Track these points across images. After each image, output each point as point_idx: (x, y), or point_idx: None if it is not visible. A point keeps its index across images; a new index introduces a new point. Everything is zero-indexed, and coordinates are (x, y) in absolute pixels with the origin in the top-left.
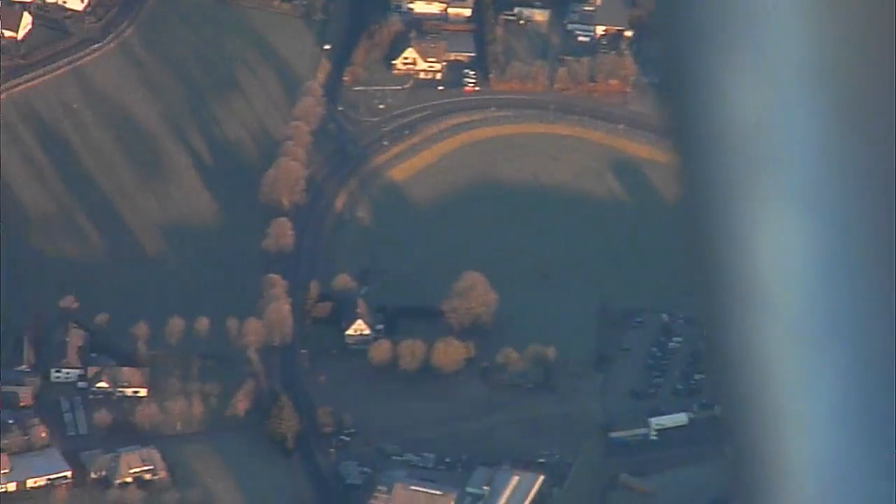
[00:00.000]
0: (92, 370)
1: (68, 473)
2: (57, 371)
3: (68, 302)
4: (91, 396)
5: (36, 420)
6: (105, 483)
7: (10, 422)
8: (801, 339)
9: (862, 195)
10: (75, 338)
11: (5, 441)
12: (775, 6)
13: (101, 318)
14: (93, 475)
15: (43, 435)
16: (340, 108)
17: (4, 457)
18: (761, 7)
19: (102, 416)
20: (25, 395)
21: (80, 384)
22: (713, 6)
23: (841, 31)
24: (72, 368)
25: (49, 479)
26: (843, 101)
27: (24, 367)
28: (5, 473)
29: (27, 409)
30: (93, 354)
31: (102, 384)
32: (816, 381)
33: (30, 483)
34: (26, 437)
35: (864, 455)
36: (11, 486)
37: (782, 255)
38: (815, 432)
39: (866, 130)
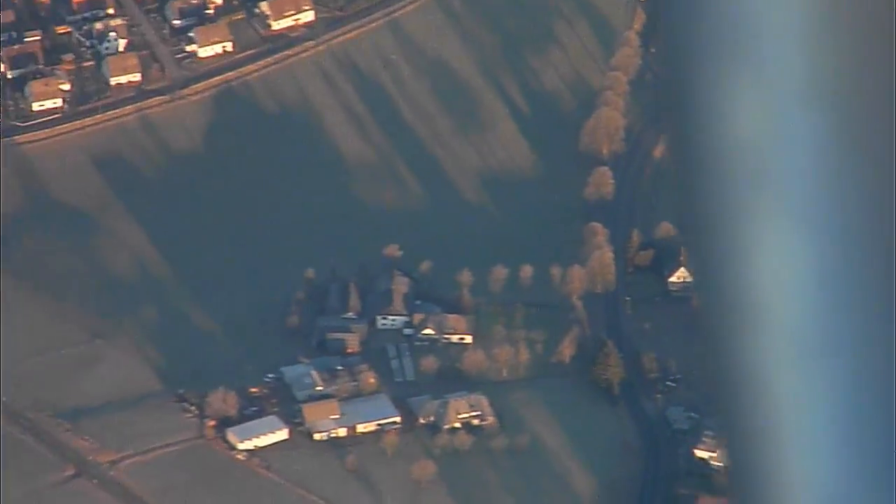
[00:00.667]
0: (417, 317)
1: (397, 419)
2: (383, 318)
3: (392, 250)
4: (417, 343)
5: (364, 366)
6: (434, 428)
7: (339, 368)
8: (800, 355)
9: (860, 211)
10: (400, 285)
11: (335, 387)
12: (774, 24)
13: (425, 265)
14: (421, 420)
15: (371, 381)
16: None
17: (334, 402)
18: (760, 25)
19: (429, 363)
20: (353, 342)
21: (406, 331)
22: (713, 25)
23: (840, 49)
24: (397, 316)
25: (378, 425)
26: (842, 119)
27: (350, 314)
28: (335, 419)
29: (355, 355)
30: (417, 302)
31: (428, 331)
32: (815, 396)
33: (360, 428)
34: (355, 384)
35: (864, 470)
36: (342, 431)
37: (781, 271)
38: (814, 448)
39: (864, 147)
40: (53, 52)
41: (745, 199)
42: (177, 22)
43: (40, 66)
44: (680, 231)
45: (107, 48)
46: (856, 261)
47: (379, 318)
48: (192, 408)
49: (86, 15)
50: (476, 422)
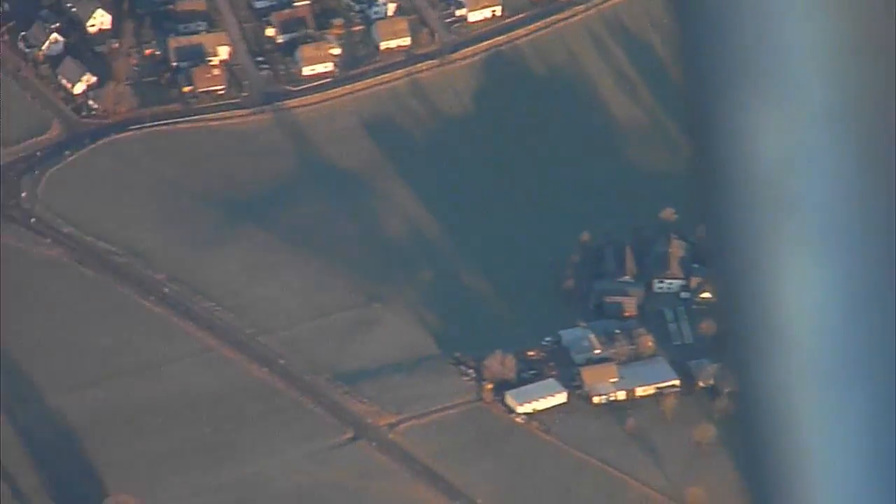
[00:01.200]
0: (694, 281)
1: (676, 382)
2: (660, 282)
3: (667, 213)
4: (694, 306)
5: (641, 330)
6: (713, 392)
7: (617, 331)
8: (824, 379)
9: (883, 233)
10: (676, 249)
11: (613, 350)
12: (797, 48)
13: (701, 229)
14: (700, 384)
15: (649, 344)
16: None
17: (613, 365)
18: (783, 49)
19: (706, 326)
20: (630, 305)
21: (683, 294)
22: (736, 48)
23: (861, 72)
24: (674, 279)
25: (657, 388)
26: (865, 141)
27: (626, 278)
28: (614, 382)
29: (632, 319)
30: (694, 265)
31: (706, 294)
32: (839, 419)
33: (639, 391)
34: (633, 347)
35: (887, 489)
36: (621, 395)
37: (804, 293)
38: (837, 467)
39: (887, 170)
40: (323, 16)
41: (768, 222)
42: None
43: (310, 31)
44: (704, 252)
45: (376, 12)
46: (878, 282)
47: (655, 281)
48: (470, 371)
49: None
50: None
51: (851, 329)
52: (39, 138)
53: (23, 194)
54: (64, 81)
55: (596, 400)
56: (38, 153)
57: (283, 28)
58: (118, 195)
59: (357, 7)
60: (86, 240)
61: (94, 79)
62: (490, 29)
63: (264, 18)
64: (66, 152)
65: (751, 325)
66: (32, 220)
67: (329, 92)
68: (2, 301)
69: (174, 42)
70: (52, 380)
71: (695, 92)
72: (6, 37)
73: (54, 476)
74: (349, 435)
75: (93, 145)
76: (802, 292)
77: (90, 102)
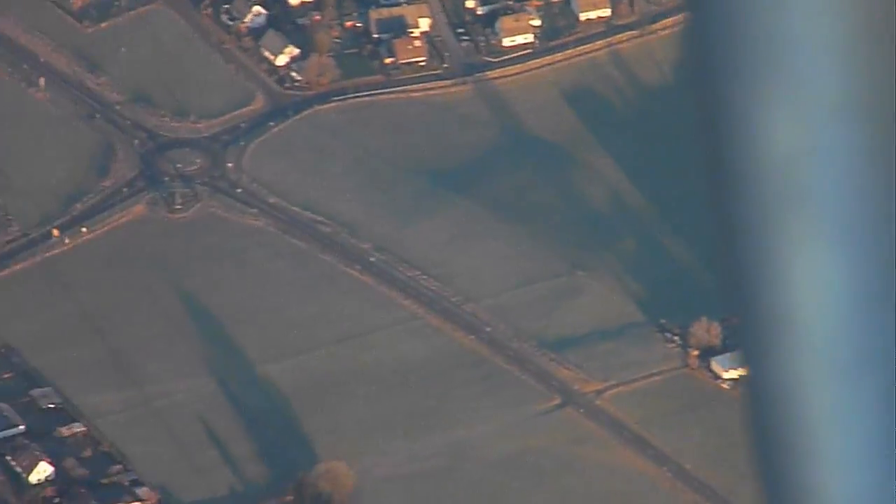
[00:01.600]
0: None
1: None
2: None
3: None
4: None
5: None
6: None
7: None
8: (836, 372)
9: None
10: None
11: None
12: (808, 41)
13: None
14: None
15: None
16: None
17: None
18: (795, 42)
19: None
20: None
21: None
22: (747, 41)
23: (873, 64)
24: None
25: None
26: (876, 133)
27: None
28: None
29: None
30: None
31: None
32: (850, 410)
33: None
34: None
35: None
36: None
37: (817, 287)
38: (849, 461)
39: None
40: None
41: (780, 215)
42: None
43: (510, 3)
44: (716, 247)
45: None
46: (890, 275)
47: None
48: (675, 338)
49: None
50: None
51: (863, 322)
52: (243, 110)
53: (228, 165)
54: (266, 54)
55: None
56: (243, 124)
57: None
58: (322, 165)
59: None
60: (291, 210)
61: (296, 51)
62: None
63: None
64: (270, 123)
65: (763, 318)
66: (238, 190)
67: (529, 63)
68: (209, 271)
69: (375, 14)
70: (260, 349)
71: (707, 85)
72: (209, 10)
73: (265, 443)
74: (556, 402)
75: (296, 116)
76: (814, 285)
77: (293, 74)
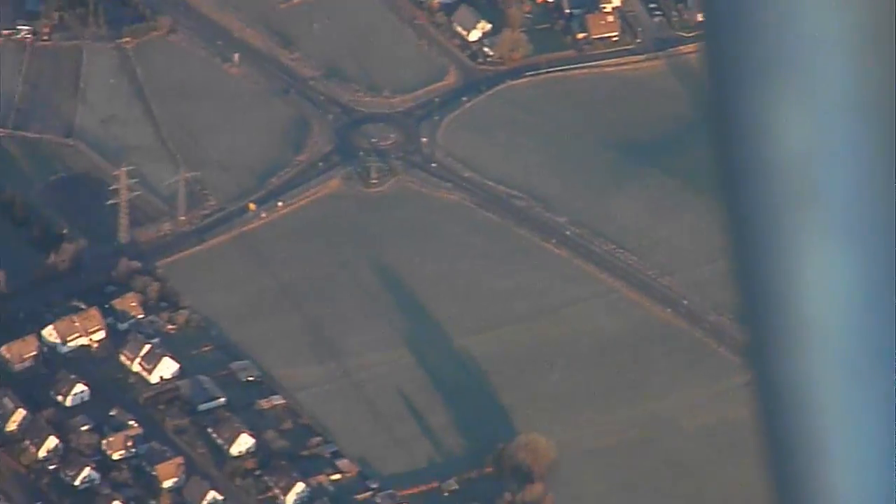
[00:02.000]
0: None
1: None
2: None
3: None
4: None
5: None
6: None
7: None
8: (847, 371)
9: None
10: None
11: None
12: (820, 39)
13: None
14: None
15: None
16: None
17: None
18: (806, 40)
19: None
20: None
21: None
22: (758, 40)
23: (885, 62)
24: None
25: None
26: (888, 131)
27: None
28: None
29: None
30: None
31: None
32: (862, 412)
33: None
34: None
35: None
36: None
37: (828, 288)
38: (860, 461)
39: None
40: None
41: (791, 214)
42: None
43: None
44: (725, 246)
45: None
46: None
47: None
48: None
49: None
50: None
51: (874, 321)
52: (436, 85)
53: (423, 140)
54: (459, 29)
55: None
56: (436, 99)
57: None
58: (516, 140)
59: None
60: (486, 184)
61: (488, 26)
62: None
63: None
64: (463, 98)
65: (774, 317)
66: (433, 164)
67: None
68: (405, 245)
69: None
70: (457, 322)
71: (718, 82)
72: None
73: (464, 416)
74: None
75: (489, 91)
76: (825, 285)
77: (485, 49)
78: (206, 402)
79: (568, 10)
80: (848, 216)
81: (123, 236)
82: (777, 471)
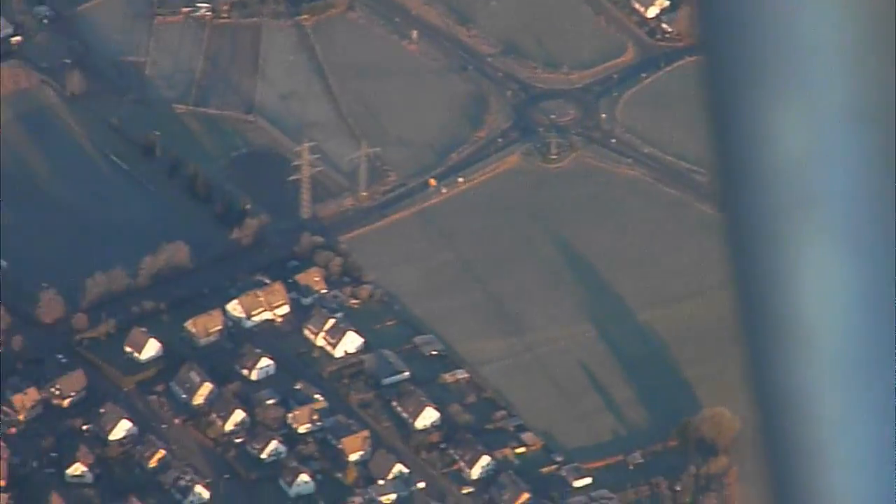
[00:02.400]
0: None
1: None
2: None
3: None
4: None
5: None
6: None
7: None
8: (845, 375)
9: None
10: None
11: None
12: (818, 45)
13: None
14: None
15: None
16: None
17: None
18: (804, 46)
19: None
20: None
21: None
22: (756, 45)
23: (884, 68)
24: None
25: None
26: (887, 137)
27: None
28: None
29: None
30: None
31: None
32: (860, 415)
33: None
34: None
35: None
36: None
37: (825, 290)
38: (857, 465)
39: None
40: None
41: (788, 219)
42: None
43: None
44: (723, 250)
45: None
46: None
47: None
48: None
49: None
50: None
51: (872, 325)
52: (615, 61)
53: (602, 116)
54: (637, 5)
55: None
56: (615, 75)
57: None
58: (695, 116)
59: None
60: (666, 159)
61: (666, 3)
62: None
63: None
64: (642, 74)
65: (772, 321)
66: (613, 140)
67: None
68: (586, 220)
69: None
70: (639, 296)
71: (716, 88)
72: None
73: (647, 389)
74: None
75: (668, 68)
76: (823, 289)
77: (663, 26)
78: (390, 376)
79: None
80: (846, 221)
81: (305, 211)
82: (776, 473)
